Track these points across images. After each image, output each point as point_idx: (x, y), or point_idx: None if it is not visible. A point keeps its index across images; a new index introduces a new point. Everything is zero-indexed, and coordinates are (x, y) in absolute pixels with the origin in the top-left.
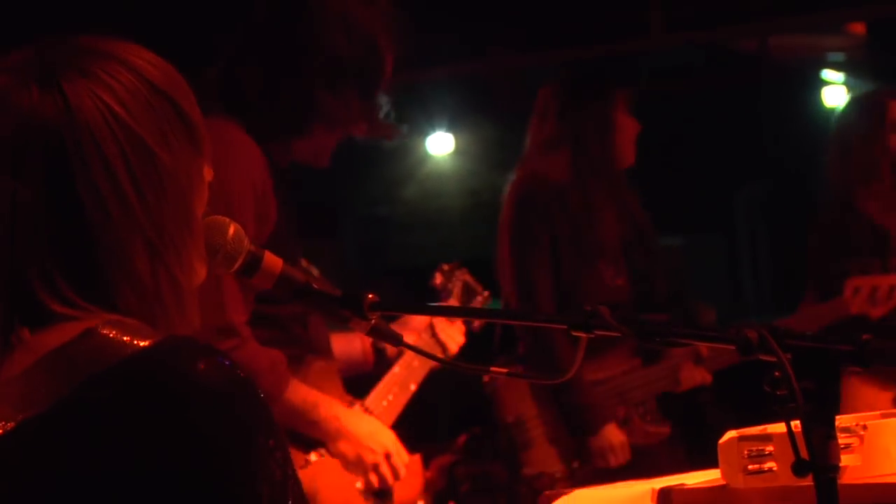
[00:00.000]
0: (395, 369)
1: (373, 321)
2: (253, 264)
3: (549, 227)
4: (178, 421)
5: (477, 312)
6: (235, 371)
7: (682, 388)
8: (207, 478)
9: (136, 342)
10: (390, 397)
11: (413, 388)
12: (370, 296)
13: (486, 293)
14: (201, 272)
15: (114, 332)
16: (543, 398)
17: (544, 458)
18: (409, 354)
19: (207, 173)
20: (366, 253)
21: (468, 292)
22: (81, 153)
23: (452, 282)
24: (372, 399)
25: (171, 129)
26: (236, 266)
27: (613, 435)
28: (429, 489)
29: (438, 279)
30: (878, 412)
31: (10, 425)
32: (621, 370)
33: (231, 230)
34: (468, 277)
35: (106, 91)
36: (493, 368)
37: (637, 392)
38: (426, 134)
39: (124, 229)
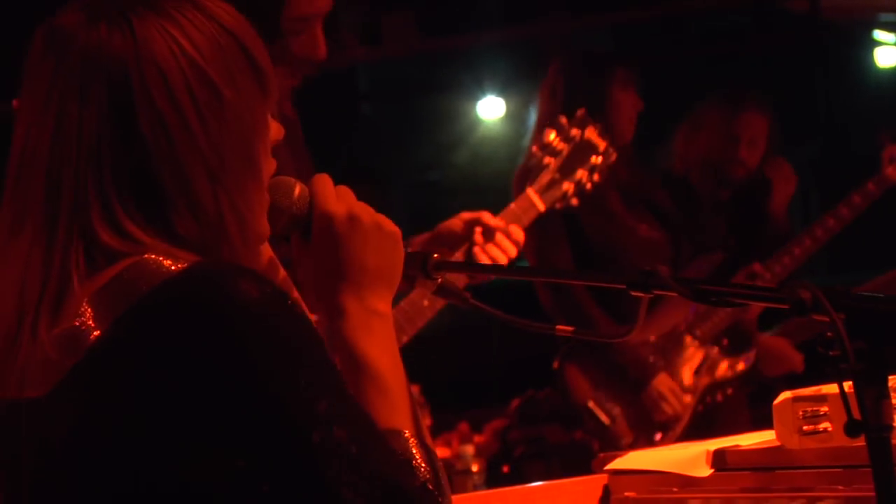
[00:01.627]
0: (412, 295)
1: (439, 280)
2: None
3: None
4: (219, 337)
5: (536, 272)
6: (279, 292)
7: (753, 311)
8: (252, 397)
9: (174, 265)
10: None
11: (405, 339)
12: (435, 255)
13: (605, 146)
14: (266, 225)
15: (159, 259)
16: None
17: (627, 433)
18: (415, 293)
19: (275, 129)
20: (416, 218)
21: (581, 152)
22: (146, 83)
23: (561, 145)
24: None
25: (238, 70)
26: (302, 228)
27: (662, 384)
28: (482, 453)
29: (547, 138)
30: None
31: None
32: (686, 314)
33: (297, 190)
34: (592, 132)
35: (175, 26)
36: (558, 327)
37: (709, 330)
38: (477, 98)
39: (187, 155)
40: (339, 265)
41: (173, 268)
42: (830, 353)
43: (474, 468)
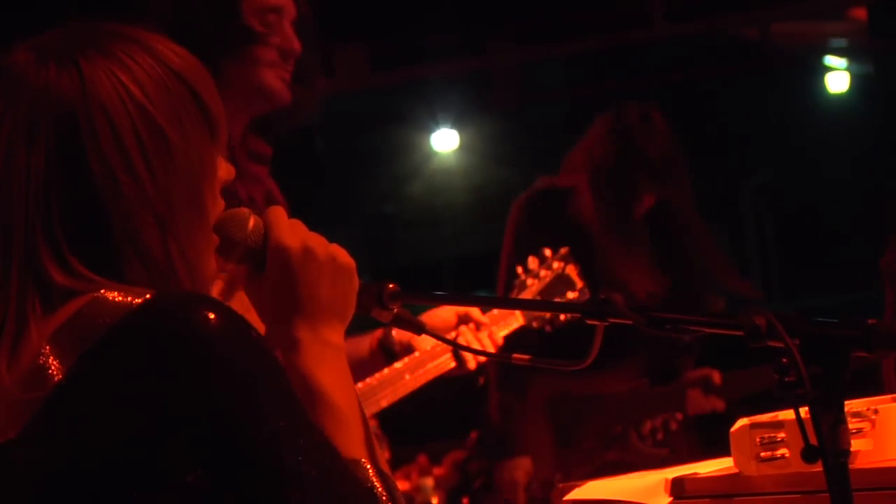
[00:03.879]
0: (397, 364)
1: (395, 310)
2: None
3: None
4: (183, 367)
5: (489, 301)
6: (239, 319)
7: (690, 413)
8: (216, 426)
9: (134, 300)
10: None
11: (383, 404)
12: (390, 285)
13: (581, 286)
14: (214, 265)
15: (116, 295)
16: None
17: (529, 466)
18: (419, 356)
19: (224, 170)
20: (373, 250)
21: (560, 284)
22: (93, 126)
23: (544, 272)
24: None
25: (186, 113)
26: (256, 260)
27: (524, 470)
28: (442, 486)
29: (531, 265)
30: (889, 396)
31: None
32: (624, 388)
33: (251, 223)
34: (572, 270)
35: (122, 70)
36: (514, 355)
37: (639, 412)
38: (431, 131)
39: (134, 201)
40: (293, 297)
41: (135, 301)
42: (786, 379)
43: (434, 501)
